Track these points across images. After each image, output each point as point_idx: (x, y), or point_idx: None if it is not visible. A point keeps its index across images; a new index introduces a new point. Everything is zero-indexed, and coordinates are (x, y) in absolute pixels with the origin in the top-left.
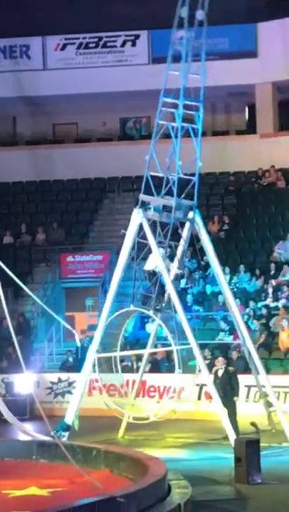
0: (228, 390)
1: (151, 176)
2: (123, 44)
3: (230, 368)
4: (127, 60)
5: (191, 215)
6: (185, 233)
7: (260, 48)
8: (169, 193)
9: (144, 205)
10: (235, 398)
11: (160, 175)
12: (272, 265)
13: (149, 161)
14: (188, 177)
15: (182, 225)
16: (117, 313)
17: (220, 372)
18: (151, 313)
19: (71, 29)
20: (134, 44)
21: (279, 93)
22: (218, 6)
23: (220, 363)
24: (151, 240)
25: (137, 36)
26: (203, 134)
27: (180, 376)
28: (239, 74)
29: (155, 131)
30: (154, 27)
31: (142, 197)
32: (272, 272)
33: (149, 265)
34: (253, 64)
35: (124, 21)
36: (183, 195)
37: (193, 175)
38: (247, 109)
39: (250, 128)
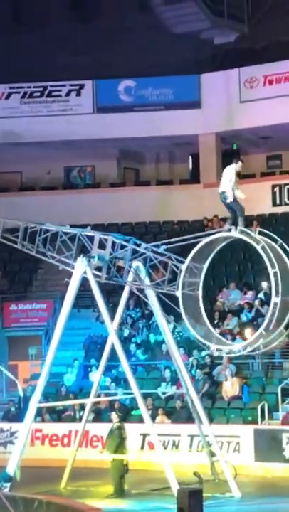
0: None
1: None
2: (68, 93)
3: (117, 425)
4: (71, 109)
5: (135, 264)
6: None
7: (204, 99)
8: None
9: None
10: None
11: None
12: (216, 314)
13: None
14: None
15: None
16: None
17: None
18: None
19: (16, 78)
20: (78, 93)
21: (222, 143)
22: (164, 57)
23: (114, 418)
24: (94, 288)
25: (82, 86)
26: (148, 184)
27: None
28: (183, 124)
29: None
30: (98, 76)
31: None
32: (216, 321)
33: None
34: (197, 114)
35: (69, 70)
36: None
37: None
38: (191, 158)
39: (194, 177)
